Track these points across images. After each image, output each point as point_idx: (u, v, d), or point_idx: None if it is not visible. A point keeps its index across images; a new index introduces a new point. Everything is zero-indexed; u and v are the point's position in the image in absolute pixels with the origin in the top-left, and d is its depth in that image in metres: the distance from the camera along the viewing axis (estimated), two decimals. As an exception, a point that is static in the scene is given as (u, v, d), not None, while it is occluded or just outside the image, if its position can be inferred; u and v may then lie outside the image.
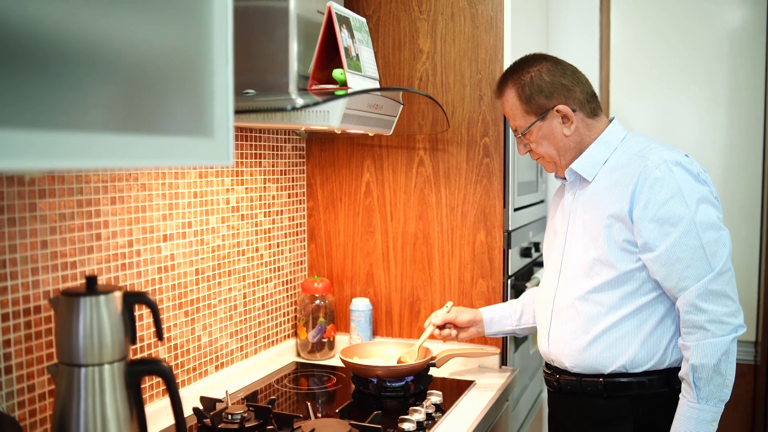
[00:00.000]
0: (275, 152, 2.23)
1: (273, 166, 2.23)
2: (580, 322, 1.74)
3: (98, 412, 1.34)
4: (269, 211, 2.22)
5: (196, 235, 1.90)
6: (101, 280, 1.60)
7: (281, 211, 2.29)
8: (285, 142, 2.29)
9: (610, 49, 2.91)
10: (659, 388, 1.69)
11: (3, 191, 1.35)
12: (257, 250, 2.16)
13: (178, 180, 1.82)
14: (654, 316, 1.68)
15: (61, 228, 1.49)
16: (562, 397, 1.83)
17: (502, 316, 2.03)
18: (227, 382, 1.97)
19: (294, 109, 1.53)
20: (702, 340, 1.59)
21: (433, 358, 2.02)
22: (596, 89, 2.84)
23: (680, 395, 1.63)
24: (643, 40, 2.87)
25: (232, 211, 2.04)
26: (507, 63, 2.14)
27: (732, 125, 2.79)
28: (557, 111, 1.73)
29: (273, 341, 2.26)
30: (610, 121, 1.82)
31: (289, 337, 2.34)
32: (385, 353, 2.10)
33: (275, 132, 2.23)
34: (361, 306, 2.27)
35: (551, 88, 1.73)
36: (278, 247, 2.28)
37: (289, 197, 2.33)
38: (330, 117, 1.61)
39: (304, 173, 2.41)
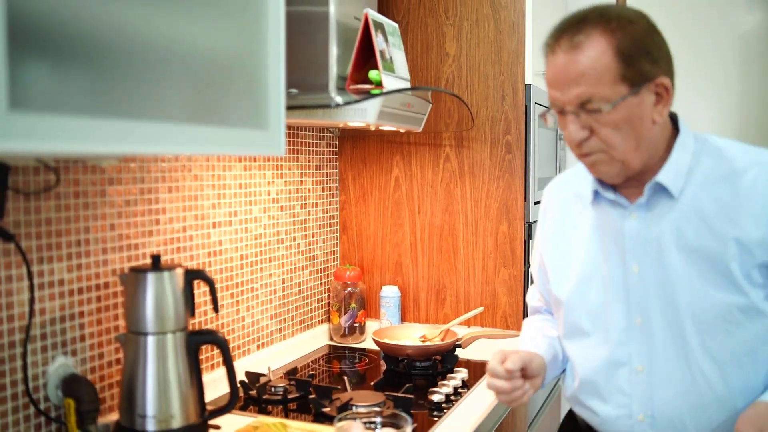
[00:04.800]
0: (311, 148, 2.39)
1: (309, 162, 2.39)
2: (722, 393, 1.33)
3: (162, 377, 1.50)
4: (305, 203, 2.38)
5: (241, 223, 2.06)
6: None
7: (316, 203, 2.44)
8: (320, 139, 2.44)
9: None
10: None
11: (79, 178, 1.51)
12: (294, 239, 2.32)
13: (226, 172, 1.98)
14: None
15: (126, 213, 1.65)
16: None
17: (555, 358, 1.55)
18: (268, 360, 2.13)
19: (337, 105, 1.68)
20: None
21: (458, 340, 2.17)
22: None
23: None
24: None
25: (273, 203, 2.20)
26: (529, 66, 2.29)
27: (742, 126, 2.92)
28: (657, 85, 1.27)
29: (308, 325, 2.41)
30: (673, 115, 1.41)
31: (322, 322, 2.50)
32: (413, 336, 2.24)
33: (311, 129, 2.38)
34: (390, 293, 2.42)
35: (659, 52, 1.28)
36: (313, 237, 2.43)
37: (323, 191, 2.48)
38: (367, 114, 1.76)
39: (336, 168, 2.57)
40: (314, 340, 2.41)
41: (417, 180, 2.46)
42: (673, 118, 1.41)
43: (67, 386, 1.47)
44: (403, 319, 2.49)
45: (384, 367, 2.16)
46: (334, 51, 1.86)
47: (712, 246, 1.31)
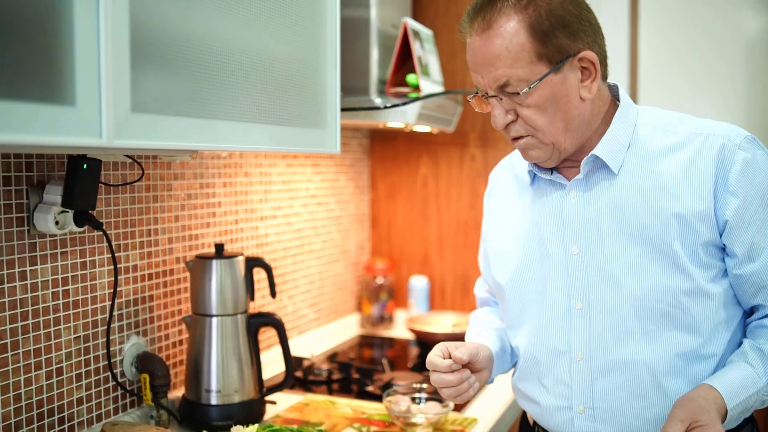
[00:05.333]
0: (344, 147, 2.53)
1: (342, 160, 2.53)
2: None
3: (225, 355, 1.65)
4: (339, 199, 2.52)
5: (284, 217, 2.20)
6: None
7: (349, 199, 2.59)
8: (352, 139, 2.59)
9: (638, 55, 3.19)
10: None
11: (149, 173, 1.66)
12: (329, 233, 2.46)
13: (271, 169, 2.13)
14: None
15: (188, 206, 1.79)
16: None
17: (503, 351, 1.46)
18: (306, 346, 2.27)
19: (385, 107, 1.83)
20: None
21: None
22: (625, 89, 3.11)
23: (744, 363, 1.22)
24: (668, 45, 3.15)
25: (311, 198, 2.35)
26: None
27: (750, 126, 3.06)
28: (580, 60, 1.20)
29: (341, 314, 2.56)
30: (613, 87, 1.34)
31: (353, 311, 2.64)
32: (443, 323, 2.39)
33: (344, 129, 2.53)
34: (419, 283, 2.57)
35: (579, 24, 1.20)
36: (346, 231, 2.58)
37: (355, 188, 2.63)
38: (408, 115, 1.90)
39: (367, 167, 2.71)
40: (346, 328, 2.55)
41: (444, 178, 2.60)
42: (615, 91, 1.33)
43: (140, 363, 1.61)
44: (431, 307, 2.64)
45: (415, 353, 2.30)
46: (374, 56, 2.01)
47: (652, 224, 1.22)
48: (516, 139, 1.27)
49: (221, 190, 1.91)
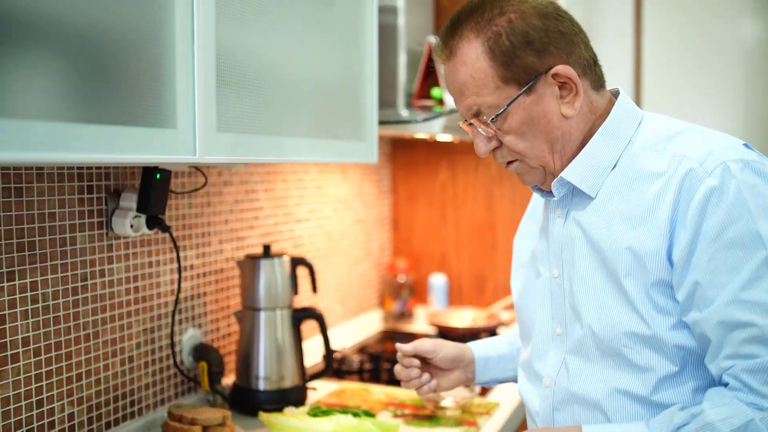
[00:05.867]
0: (368, 155, 2.71)
1: (367, 167, 2.71)
2: None
3: (273, 345, 1.82)
4: (364, 204, 2.70)
5: (317, 220, 2.38)
6: (257, 251, 2.08)
7: (372, 204, 2.77)
8: (374, 147, 2.77)
9: (642, 60, 3.37)
10: None
11: (204, 180, 1.83)
12: (355, 235, 2.64)
13: (305, 175, 2.30)
14: None
15: (235, 210, 1.97)
16: None
17: (501, 358, 1.46)
18: (336, 339, 2.44)
19: (415, 121, 2.00)
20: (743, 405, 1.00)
21: (502, 321, 2.49)
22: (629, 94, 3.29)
23: (644, 424, 1.08)
24: (671, 51, 3.32)
25: (340, 202, 2.52)
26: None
27: (748, 134, 3.23)
28: (554, 76, 1.11)
29: (364, 310, 2.73)
30: (615, 96, 1.21)
31: (375, 307, 2.81)
32: (462, 318, 2.57)
33: (367, 138, 2.71)
34: (439, 281, 2.75)
35: (546, 37, 1.10)
36: (370, 233, 2.75)
37: (378, 193, 2.81)
38: (434, 127, 2.08)
39: (389, 173, 2.89)
40: (370, 323, 2.72)
41: (461, 182, 2.78)
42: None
43: (197, 352, 1.79)
44: (449, 303, 2.82)
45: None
46: (402, 71, 2.19)
47: (611, 256, 1.11)
48: (508, 163, 1.21)
49: (263, 195, 2.09)
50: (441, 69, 1.20)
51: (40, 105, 0.91)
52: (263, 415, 1.62)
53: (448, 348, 1.40)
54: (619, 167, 1.14)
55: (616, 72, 3.43)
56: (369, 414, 1.66)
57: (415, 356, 1.39)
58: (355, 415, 1.61)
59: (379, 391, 1.95)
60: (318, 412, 1.65)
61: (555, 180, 1.17)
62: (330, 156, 1.62)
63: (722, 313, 1.01)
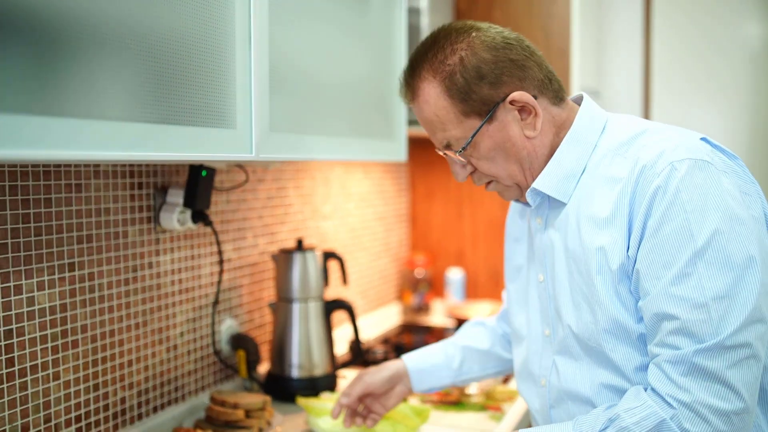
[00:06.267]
0: (387, 153, 2.80)
1: (387, 165, 2.80)
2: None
3: (306, 335, 1.91)
4: (384, 200, 2.79)
5: (341, 217, 2.47)
6: (288, 245, 2.16)
7: (391, 200, 2.86)
8: (393, 145, 2.86)
9: (651, 67, 3.46)
10: None
11: (246, 177, 1.92)
12: (375, 231, 2.73)
13: (330, 173, 2.39)
14: None
15: (268, 206, 2.06)
16: None
17: (434, 367, 1.54)
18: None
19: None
20: (653, 407, 1.06)
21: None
22: (639, 98, 3.39)
23: (572, 423, 1.14)
24: (679, 54, 3.41)
25: (362, 199, 2.61)
26: (575, 86, 2.70)
27: (753, 137, 3.32)
28: (512, 103, 1.17)
29: (383, 303, 2.82)
30: (579, 102, 1.27)
31: (393, 300, 2.91)
32: (479, 310, 2.65)
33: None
34: (455, 275, 2.84)
35: (497, 68, 1.16)
36: (389, 229, 2.84)
37: (397, 190, 2.90)
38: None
39: (407, 171, 2.98)
40: (389, 316, 2.82)
41: (476, 180, 2.86)
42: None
43: (235, 341, 1.88)
44: (465, 297, 2.91)
45: (454, 337, 2.57)
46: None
47: (582, 257, 1.17)
48: (487, 184, 1.28)
49: (293, 192, 2.18)
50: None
51: (119, 107, 1.00)
52: (301, 400, 1.71)
53: (377, 375, 1.51)
54: (588, 172, 1.20)
55: (626, 76, 3.52)
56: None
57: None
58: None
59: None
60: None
61: (528, 191, 1.24)
62: (364, 154, 1.71)
63: (655, 304, 1.07)
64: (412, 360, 1.55)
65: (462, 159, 1.23)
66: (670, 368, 1.06)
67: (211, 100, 1.17)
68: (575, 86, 2.72)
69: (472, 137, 1.18)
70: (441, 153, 1.27)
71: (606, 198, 1.15)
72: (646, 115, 3.46)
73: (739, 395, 1.03)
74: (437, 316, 2.83)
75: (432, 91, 1.19)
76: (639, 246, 1.10)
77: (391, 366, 1.53)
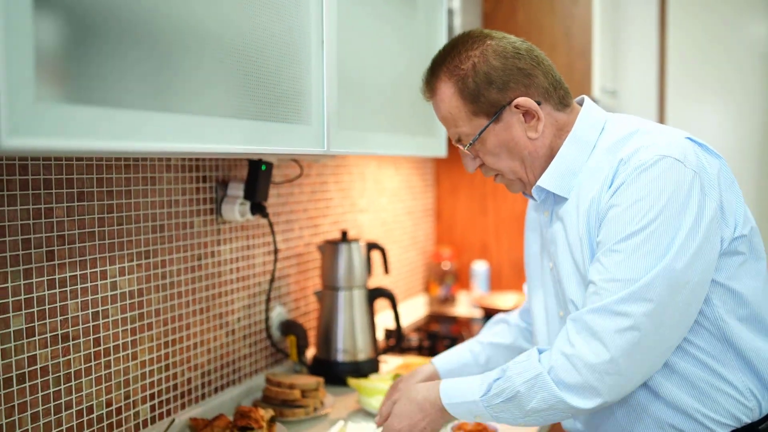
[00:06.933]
0: (414, 150, 2.91)
1: (415, 161, 2.91)
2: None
3: (350, 321, 2.01)
4: (412, 195, 2.90)
5: (375, 211, 2.57)
6: (330, 237, 2.27)
7: (419, 195, 2.96)
8: (419, 143, 2.97)
9: (666, 69, 3.57)
10: None
11: (289, 173, 2.03)
12: (404, 225, 2.84)
13: (365, 169, 2.50)
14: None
15: (312, 200, 2.16)
16: None
17: (463, 365, 1.64)
18: (389, 321, 2.64)
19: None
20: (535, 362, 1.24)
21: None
22: (654, 98, 3.49)
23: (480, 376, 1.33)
24: (692, 56, 3.52)
25: (393, 194, 2.72)
26: (596, 83, 2.81)
27: (765, 130, 3.43)
28: (516, 107, 1.30)
29: (411, 295, 2.93)
30: (582, 104, 1.39)
31: (420, 292, 3.01)
32: (505, 301, 2.76)
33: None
34: (481, 267, 2.95)
35: (505, 75, 1.29)
36: (416, 223, 2.95)
37: (423, 185, 3.01)
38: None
39: (433, 167, 3.09)
40: (416, 307, 2.92)
41: (500, 176, 2.97)
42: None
43: (285, 327, 1.98)
44: (490, 289, 3.02)
45: (479, 326, 2.67)
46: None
47: (579, 249, 1.30)
48: (495, 176, 1.42)
49: (333, 186, 2.28)
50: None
51: (211, 104, 1.10)
52: (352, 381, 1.82)
53: (411, 380, 1.59)
54: (586, 168, 1.32)
55: (641, 77, 3.61)
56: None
57: None
58: (436, 379, 1.81)
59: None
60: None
61: (534, 187, 1.38)
62: (411, 150, 1.82)
63: (590, 270, 1.24)
64: (441, 361, 1.66)
65: (471, 152, 1.37)
66: (570, 325, 1.22)
67: (291, 99, 1.28)
68: (596, 86, 2.83)
69: (480, 134, 1.33)
70: (456, 145, 1.42)
71: (593, 189, 1.28)
72: (661, 114, 3.57)
73: (614, 358, 1.16)
74: (462, 307, 2.94)
75: (447, 91, 1.34)
76: (595, 236, 1.26)
77: (423, 370, 1.63)
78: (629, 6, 3.48)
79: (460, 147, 1.38)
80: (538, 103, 1.31)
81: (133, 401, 1.51)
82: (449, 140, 2.31)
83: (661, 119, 3.50)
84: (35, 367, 1.28)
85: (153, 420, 1.56)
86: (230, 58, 1.13)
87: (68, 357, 1.34)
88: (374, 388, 1.76)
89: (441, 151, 1.97)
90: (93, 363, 1.40)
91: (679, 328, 1.20)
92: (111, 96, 0.88)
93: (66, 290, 1.34)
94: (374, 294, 2.07)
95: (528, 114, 1.32)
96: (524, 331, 1.69)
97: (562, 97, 1.35)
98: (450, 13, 2.34)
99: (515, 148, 1.33)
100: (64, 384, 1.34)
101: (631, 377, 1.18)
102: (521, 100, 1.30)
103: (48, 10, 0.79)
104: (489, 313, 2.65)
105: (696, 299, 1.20)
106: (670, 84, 3.55)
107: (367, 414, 1.75)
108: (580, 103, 1.40)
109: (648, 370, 1.21)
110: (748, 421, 1.27)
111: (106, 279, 1.43)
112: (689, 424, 1.27)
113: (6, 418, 1.22)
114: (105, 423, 1.43)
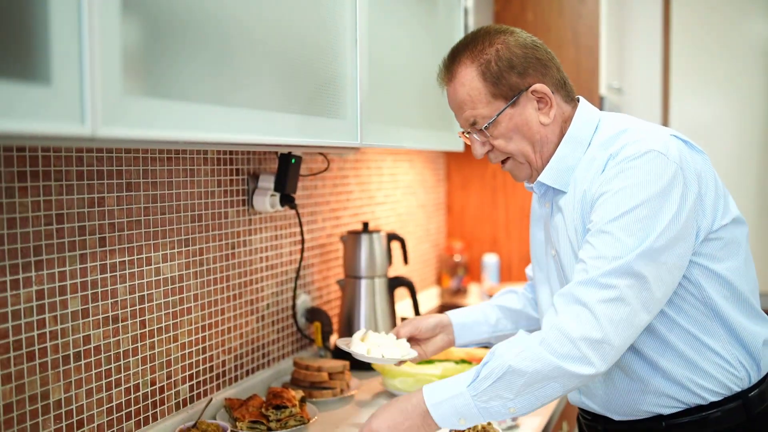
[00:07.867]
0: (426, 146, 3.00)
1: (428, 156, 3.00)
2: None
3: (372, 308, 2.10)
4: (425, 189, 2.99)
5: (391, 204, 2.66)
6: (351, 228, 2.36)
7: (431, 189, 3.05)
8: (431, 139, 3.06)
9: (669, 67, 3.66)
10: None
11: (313, 167, 2.11)
12: (417, 218, 2.93)
13: (382, 164, 2.59)
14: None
15: (333, 193, 2.25)
16: None
17: (475, 322, 1.70)
18: (405, 311, 2.73)
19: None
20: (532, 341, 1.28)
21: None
22: (658, 96, 3.58)
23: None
24: (695, 54, 3.61)
25: (407, 188, 2.81)
26: (603, 81, 2.90)
27: (766, 125, 3.53)
28: (533, 92, 1.39)
29: (424, 286, 3.02)
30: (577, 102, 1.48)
31: (433, 284, 3.11)
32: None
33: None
34: (491, 260, 3.04)
35: (525, 62, 1.39)
36: (429, 216, 3.04)
37: (435, 180, 3.10)
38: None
39: (444, 162, 3.18)
40: (428, 298, 3.01)
41: (509, 171, 3.07)
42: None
43: (309, 314, 2.07)
44: (500, 280, 3.11)
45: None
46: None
47: (572, 231, 1.40)
48: (503, 163, 1.49)
49: (353, 180, 2.37)
50: (445, 90, 1.49)
51: (260, 98, 1.19)
52: (377, 365, 1.91)
53: (425, 320, 1.67)
54: (583, 162, 1.41)
55: (645, 75, 3.70)
56: (467, 362, 1.95)
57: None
58: (456, 363, 1.90)
59: (459, 350, 2.23)
60: (424, 362, 1.94)
61: (535, 183, 1.47)
62: (432, 144, 1.91)
63: (581, 250, 1.32)
64: (455, 315, 1.72)
65: (483, 136, 1.44)
66: (558, 299, 1.29)
67: (330, 95, 1.37)
68: (602, 84, 2.92)
69: (497, 116, 1.40)
70: (462, 135, 1.50)
71: (587, 181, 1.38)
72: (665, 110, 3.66)
73: (602, 326, 1.23)
74: (473, 298, 3.03)
75: (468, 75, 1.40)
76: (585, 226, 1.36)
77: (437, 316, 1.70)
78: (634, 5, 3.58)
79: (472, 131, 1.45)
80: (552, 92, 1.41)
81: (174, 381, 1.60)
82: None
83: (666, 115, 3.59)
84: (89, 346, 1.36)
85: (192, 399, 1.65)
86: (277, 58, 1.22)
87: (118, 338, 1.43)
88: (398, 371, 1.85)
89: (458, 145, 2.06)
90: (139, 344, 1.49)
91: (661, 302, 1.29)
92: (184, 91, 0.97)
93: (116, 275, 1.42)
94: (394, 283, 2.16)
95: (542, 100, 1.40)
96: (532, 301, 1.76)
97: (569, 92, 1.46)
98: (465, 11, 2.43)
99: (528, 132, 1.41)
100: (114, 363, 1.42)
101: (618, 345, 1.25)
102: (538, 86, 1.39)
103: (133, 13, 0.88)
104: (501, 303, 2.74)
105: (673, 280, 1.29)
106: (674, 81, 3.64)
107: (391, 395, 1.84)
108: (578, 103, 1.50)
109: (631, 338, 1.27)
110: (739, 389, 1.37)
111: (151, 265, 1.52)
112: (685, 393, 1.36)
113: (65, 393, 1.31)
114: (150, 401, 1.52)
